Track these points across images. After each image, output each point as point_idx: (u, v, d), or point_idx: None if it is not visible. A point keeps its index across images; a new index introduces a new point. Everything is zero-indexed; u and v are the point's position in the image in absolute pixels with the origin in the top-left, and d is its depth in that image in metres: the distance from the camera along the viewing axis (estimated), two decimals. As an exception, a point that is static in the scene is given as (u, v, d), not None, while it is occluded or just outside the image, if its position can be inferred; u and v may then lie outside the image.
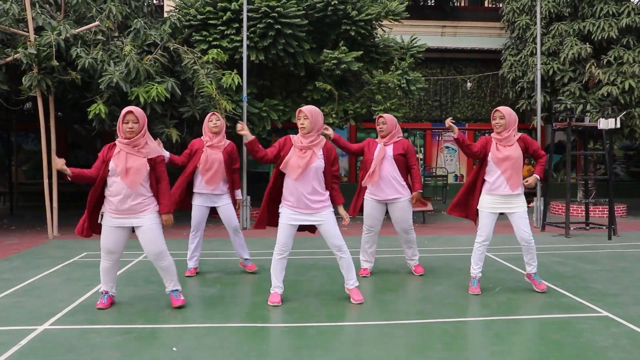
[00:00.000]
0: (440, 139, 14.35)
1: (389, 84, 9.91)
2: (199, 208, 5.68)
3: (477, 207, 5.14)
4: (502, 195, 4.97)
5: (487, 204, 5.04)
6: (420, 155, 13.49)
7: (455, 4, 15.28)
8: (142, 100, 8.13)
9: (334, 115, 9.83)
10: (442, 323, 4.24)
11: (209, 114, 5.73)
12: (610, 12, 10.94)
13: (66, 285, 5.40)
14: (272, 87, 10.35)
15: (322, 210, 4.63)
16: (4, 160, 13.17)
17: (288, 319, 4.33)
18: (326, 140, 4.76)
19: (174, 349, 3.66)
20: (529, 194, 13.45)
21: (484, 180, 5.09)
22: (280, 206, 4.72)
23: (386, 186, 5.52)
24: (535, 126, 10.68)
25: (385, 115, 5.69)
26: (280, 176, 4.70)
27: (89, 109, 8.20)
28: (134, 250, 7.21)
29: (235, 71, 8.81)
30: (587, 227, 9.49)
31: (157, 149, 4.53)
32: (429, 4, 15.44)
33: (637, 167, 15.54)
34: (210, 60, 8.80)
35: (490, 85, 14.51)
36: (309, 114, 4.57)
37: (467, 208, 5.28)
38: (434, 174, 13.44)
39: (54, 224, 8.60)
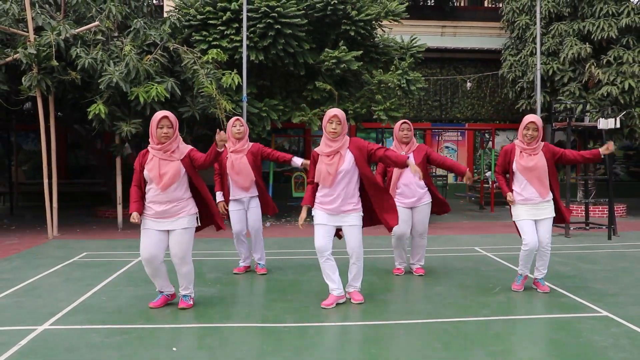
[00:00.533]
0: (440, 138, 14.35)
1: (389, 84, 9.91)
2: (235, 213, 5.72)
3: (514, 220, 5.13)
4: (535, 204, 4.98)
5: (524, 212, 5.01)
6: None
7: (455, 4, 15.29)
8: (141, 100, 8.13)
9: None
10: (442, 323, 4.25)
11: (233, 119, 5.71)
12: (610, 12, 10.95)
13: (66, 285, 5.40)
14: (272, 87, 10.35)
15: (352, 213, 4.60)
16: (4, 160, 13.18)
17: (288, 319, 4.33)
18: (350, 138, 4.70)
19: (174, 349, 3.67)
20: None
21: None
22: (313, 209, 4.70)
23: (411, 193, 5.60)
24: (535, 126, 10.68)
25: (408, 121, 5.74)
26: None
27: (88, 109, 8.20)
28: (134, 250, 7.22)
29: (235, 71, 8.81)
30: (587, 227, 9.49)
31: (185, 145, 4.52)
32: (429, 4, 15.44)
33: (637, 167, 15.55)
34: (210, 60, 8.80)
35: (490, 85, 14.51)
36: (341, 117, 4.56)
37: None
38: (434, 174, 13.45)
39: (54, 224, 8.60)
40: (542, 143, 5.03)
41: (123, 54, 8.36)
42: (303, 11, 9.31)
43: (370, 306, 4.72)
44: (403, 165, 4.58)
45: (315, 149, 4.69)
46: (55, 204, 8.63)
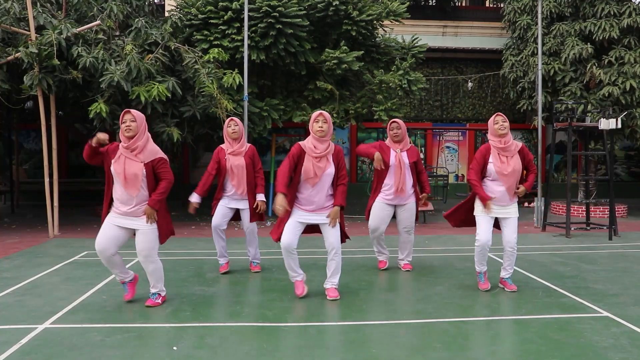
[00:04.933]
0: (441, 139, 14.35)
1: (390, 84, 9.90)
2: (222, 207, 5.73)
3: (475, 213, 5.12)
4: (502, 205, 5.01)
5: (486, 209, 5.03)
6: (421, 155, 13.48)
7: (457, 4, 15.27)
8: (142, 99, 8.14)
9: (334, 115, 9.83)
10: (442, 323, 4.25)
11: (228, 120, 5.71)
12: (612, 12, 10.94)
13: (67, 284, 5.41)
14: (273, 86, 10.35)
15: (328, 211, 4.74)
16: (5, 159, 13.19)
17: (288, 318, 4.33)
18: (334, 144, 4.81)
19: (174, 348, 3.67)
20: (530, 194, 13.48)
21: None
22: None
23: (400, 190, 5.69)
24: (536, 126, 10.68)
25: (398, 120, 5.78)
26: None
27: (89, 108, 8.21)
28: (134, 249, 7.22)
29: (236, 71, 8.82)
30: (588, 227, 9.49)
31: (156, 151, 4.49)
32: (430, 4, 15.44)
33: (638, 167, 15.53)
34: (211, 60, 8.81)
35: (491, 85, 14.50)
36: (328, 117, 4.67)
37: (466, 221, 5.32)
38: (435, 173, 13.44)
39: (55, 222, 8.60)
40: (519, 145, 5.02)
41: (124, 53, 8.36)
42: (304, 11, 9.31)
43: (370, 306, 4.72)
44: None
45: (302, 144, 4.71)
46: (56, 203, 8.64)
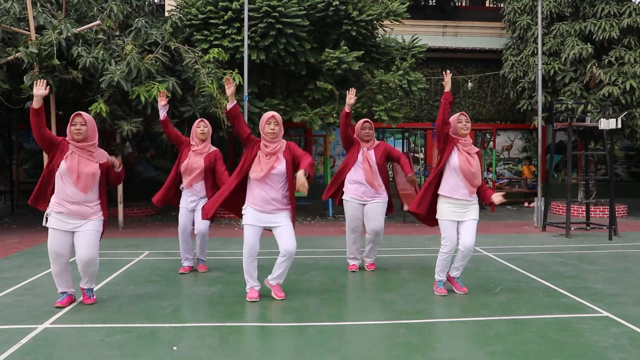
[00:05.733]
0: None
1: (390, 84, 9.91)
2: (183, 210, 5.77)
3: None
4: (460, 199, 4.87)
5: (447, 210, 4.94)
6: (421, 155, 13.47)
7: (457, 4, 15.27)
8: (142, 99, 8.14)
9: (334, 115, 9.83)
10: (442, 323, 4.25)
11: (198, 120, 5.80)
12: (612, 12, 10.94)
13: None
14: (273, 86, 10.36)
15: (281, 212, 4.68)
16: (5, 159, 13.19)
17: (288, 318, 4.33)
18: (287, 142, 4.80)
19: (174, 348, 3.67)
20: (529, 194, 13.49)
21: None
22: (244, 207, 4.75)
23: (368, 188, 5.72)
24: (536, 126, 10.68)
25: (369, 120, 5.87)
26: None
27: (89, 108, 8.21)
28: (134, 249, 7.23)
29: (236, 70, 8.82)
30: (588, 227, 9.49)
31: (105, 154, 4.54)
32: (430, 4, 15.44)
33: (638, 167, 15.53)
34: (211, 60, 8.81)
35: (491, 85, 14.50)
36: (278, 120, 4.69)
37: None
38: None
39: (55, 222, 8.59)
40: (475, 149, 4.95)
41: (124, 53, 8.36)
42: (304, 11, 9.31)
43: (370, 306, 4.72)
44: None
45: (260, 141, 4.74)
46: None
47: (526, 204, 13.22)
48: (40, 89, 4.25)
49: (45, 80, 4.35)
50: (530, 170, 14.17)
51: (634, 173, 15.50)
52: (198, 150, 5.65)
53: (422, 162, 13.27)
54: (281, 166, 4.63)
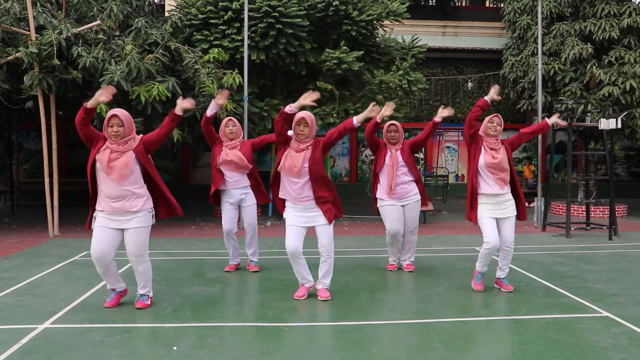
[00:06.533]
0: (441, 139, 14.35)
1: (390, 84, 9.90)
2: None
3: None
4: (493, 195, 4.98)
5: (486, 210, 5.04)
6: (421, 155, 13.49)
7: (457, 4, 15.27)
8: (142, 99, 8.14)
9: (334, 115, 9.83)
10: (442, 323, 4.25)
11: (226, 119, 5.79)
12: (612, 12, 10.93)
13: (67, 284, 5.41)
14: (273, 86, 10.35)
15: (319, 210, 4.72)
16: (5, 159, 13.19)
17: (288, 318, 4.33)
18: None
19: (174, 348, 3.67)
20: (529, 194, 13.48)
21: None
22: (285, 212, 4.83)
23: (402, 190, 5.73)
24: (536, 126, 10.66)
25: (396, 122, 5.92)
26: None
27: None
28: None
29: (236, 71, 8.82)
30: (588, 227, 9.49)
31: (138, 137, 4.47)
32: (430, 4, 15.44)
33: (638, 167, 15.54)
34: (211, 60, 8.81)
35: (491, 85, 14.46)
36: (309, 121, 4.68)
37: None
38: (435, 173, 13.44)
39: (55, 222, 8.60)
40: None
41: (124, 53, 8.36)
42: (304, 11, 9.30)
43: (370, 306, 4.72)
44: (352, 127, 4.77)
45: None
46: (56, 203, 8.63)
47: (526, 204, 13.20)
48: (103, 96, 4.17)
49: (113, 89, 4.27)
50: (530, 170, 14.16)
51: (634, 173, 15.50)
52: (230, 145, 5.69)
53: (422, 162, 13.29)
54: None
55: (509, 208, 5.06)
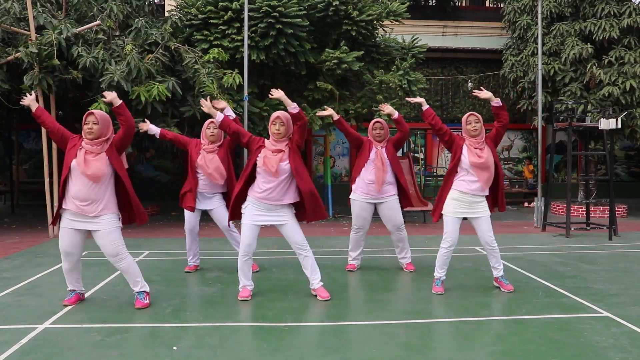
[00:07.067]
0: (441, 138, 14.31)
1: (390, 84, 9.90)
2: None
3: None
4: (469, 194, 4.94)
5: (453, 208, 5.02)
6: (421, 155, 13.47)
7: (457, 4, 15.27)
8: (142, 99, 8.14)
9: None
10: (442, 323, 4.25)
11: (207, 121, 5.77)
12: (612, 12, 10.93)
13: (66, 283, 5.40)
14: (273, 86, 10.29)
15: (284, 208, 4.73)
16: (5, 159, 13.19)
17: (288, 318, 4.33)
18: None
19: (174, 348, 3.67)
20: (529, 194, 13.49)
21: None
22: (244, 205, 4.78)
23: (380, 186, 5.69)
24: (536, 126, 10.68)
25: (381, 120, 5.83)
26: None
27: (89, 108, 8.20)
28: (134, 249, 7.22)
29: (236, 71, 8.82)
30: (588, 227, 9.49)
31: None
32: (430, 4, 15.43)
33: (638, 167, 15.53)
34: (211, 60, 8.81)
35: (491, 85, 14.50)
36: (285, 120, 4.64)
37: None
38: (435, 173, 13.44)
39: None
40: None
41: (124, 53, 8.36)
42: (304, 11, 9.30)
43: (370, 306, 4.72)
44: (293, 109, 4.64)
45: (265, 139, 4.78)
46: (56, 203, 8.62)
47: (526, 204, 13.22)
48: (25, 100, 4.33)
49: (33, 96, 4.37)
50: (529, 169, 14.16)
51: (634, 173, 15.49)
52: (209, 149, 5.66)
53: (422, 162, 13.28)
54: (288, 163, 4.66)
55: (482, 208, 5.00)
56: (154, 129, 5.96)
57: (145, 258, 6.70)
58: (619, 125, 8.74)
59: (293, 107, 4.64)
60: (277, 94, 4.67)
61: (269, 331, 4.03)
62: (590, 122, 9.75)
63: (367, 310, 4.58)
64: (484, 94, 4.99)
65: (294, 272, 5.87)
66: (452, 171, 5.01)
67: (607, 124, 8.67)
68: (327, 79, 9.89)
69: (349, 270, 6.00)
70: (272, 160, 4.56)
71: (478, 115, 4.97)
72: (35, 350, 3.61)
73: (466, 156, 4.89)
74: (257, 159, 4.64)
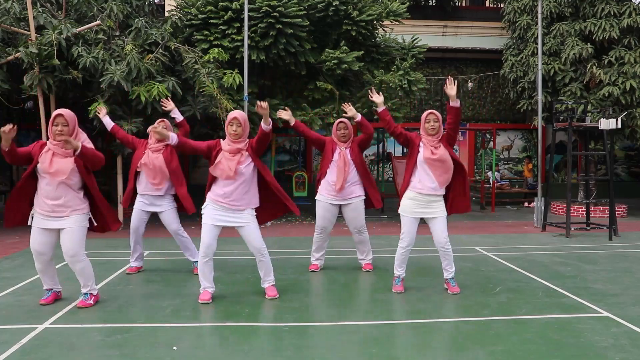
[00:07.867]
0: (441, 138, 14.30)
1: (390, 84, 9.90)
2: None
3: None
4: (426, 194, 4.90)
5: (409, 207, 5.00)
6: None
7: (457, 4, 15.27)
8: (142, 99, 8.14)
9: (334, 115, 9.83)
10: (442, 323, 4.25)
11: (159, 120, 5.67)
12: (612, 12, 10.94)
13: (67, 284, 5.39)
14: (273, 86, 10.36)
15: (245, 211, 4.70)
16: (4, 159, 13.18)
17: (288, 318, 4.33)
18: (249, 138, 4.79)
19: (175, 348, 3.67)
20: (529, 194, 13.48)
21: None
22: (203, 206, 4.76)
23: (344, 190, 5.65)
24: (536, 126, 10.68)
25: (345, 120, 5.78)
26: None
27: (89, 108, 8.21)
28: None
29: (236, 70, 8.82)
30: (588, 227, 9.49)
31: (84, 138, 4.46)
32: (430, 4, 15.44)
33: (638, 167, 15.54)
34: (211, 60, 8.81)
35: (491, 85, 14.51)
36: (242, 120, 4.62)
37: None
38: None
39: (55, 222, 8.60)
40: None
41: (124, 53, 8.37)
42: (304, 11, 9.30)
43: (370, 306, 4.72)
44: (263, 131, 4.58)
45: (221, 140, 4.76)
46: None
47: (526, 204, 13.22)
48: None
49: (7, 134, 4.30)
50: (528, 168, 14.16)
51: (634, 173, 15.50)
52: (154, 147, 5.57)
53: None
54: (249, 165, 4.66)
55: (439, 208, 4.96)
56: (108, 122, 5.84)
57: (145, 258, 6.69)
58: (619, 125, 8.74)
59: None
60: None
61: (269, 331, 4.03)
62: (590, 122, 9.75)
63: (367, 310, 4.58)
64: (376, 97, 5.10)
65: (294, 272, 5.88)
66: (409, 169, 4.99)
67: (607, 124, 8.67)
68: (327, 79, 9.89)
69: (311, 271, 5.96)
70: (231, 163, 4.55)
71: (438, 114, 4.94)
72: (35, 350, 3.61)
73: (422, 153, 4.89)
74: (214, 165, 4.61)
